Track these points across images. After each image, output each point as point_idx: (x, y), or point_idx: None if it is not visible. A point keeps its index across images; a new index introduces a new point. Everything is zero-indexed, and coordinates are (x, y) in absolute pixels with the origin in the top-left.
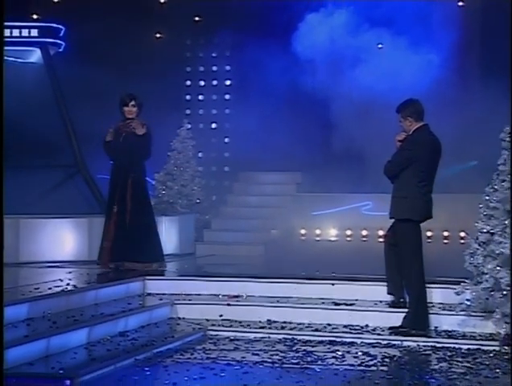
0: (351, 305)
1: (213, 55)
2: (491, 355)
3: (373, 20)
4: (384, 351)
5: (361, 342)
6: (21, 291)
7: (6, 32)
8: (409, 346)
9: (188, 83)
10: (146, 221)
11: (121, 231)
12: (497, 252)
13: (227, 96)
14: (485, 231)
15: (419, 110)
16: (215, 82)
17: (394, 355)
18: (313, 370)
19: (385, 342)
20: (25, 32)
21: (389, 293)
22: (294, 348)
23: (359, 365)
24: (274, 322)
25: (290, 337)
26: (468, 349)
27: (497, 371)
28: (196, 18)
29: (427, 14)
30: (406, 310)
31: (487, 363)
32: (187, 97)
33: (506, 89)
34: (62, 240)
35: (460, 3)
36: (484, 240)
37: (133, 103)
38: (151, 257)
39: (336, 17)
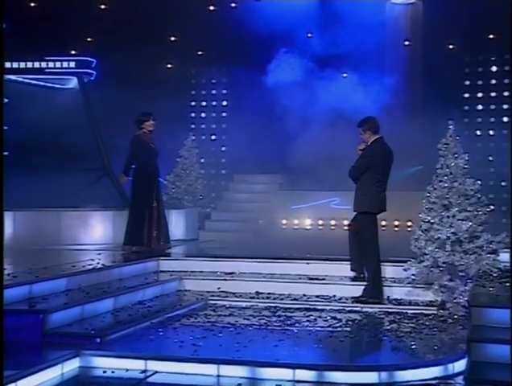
0: (322, 279)
1: (213, 81)
2: (430, 317)
3: (338, 55)
4: (348, 315)
5: (330, 309)
6: (61, 268)
7: (50, 64)
8: (367, 311)
9: (193, 103)
10: (164, 213)
11: (160, 220)
12: (435, 237)
13: (224, 114)
14: (426, 221)
15: (377, 125)
16: (214, 103)
17: (356, 319)
18: (292, 331)
19: (348, 308)
20: (65, 64)
21: (352, 270)
22: (277, 314)
23: (328, 327)
24: (261, 293)
25: (274, 305)
26: (413, 313)
27: (435, 329)
28: (199, 52)
29: (381, 50)
30: (365, 283)
31: (427, 323)
32: (192, 114)
33: (441, 110)
34: (93, 228)
35: (407, 42)
36: (425, 228)
37: (153, 118)
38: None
39: (310, 52)
